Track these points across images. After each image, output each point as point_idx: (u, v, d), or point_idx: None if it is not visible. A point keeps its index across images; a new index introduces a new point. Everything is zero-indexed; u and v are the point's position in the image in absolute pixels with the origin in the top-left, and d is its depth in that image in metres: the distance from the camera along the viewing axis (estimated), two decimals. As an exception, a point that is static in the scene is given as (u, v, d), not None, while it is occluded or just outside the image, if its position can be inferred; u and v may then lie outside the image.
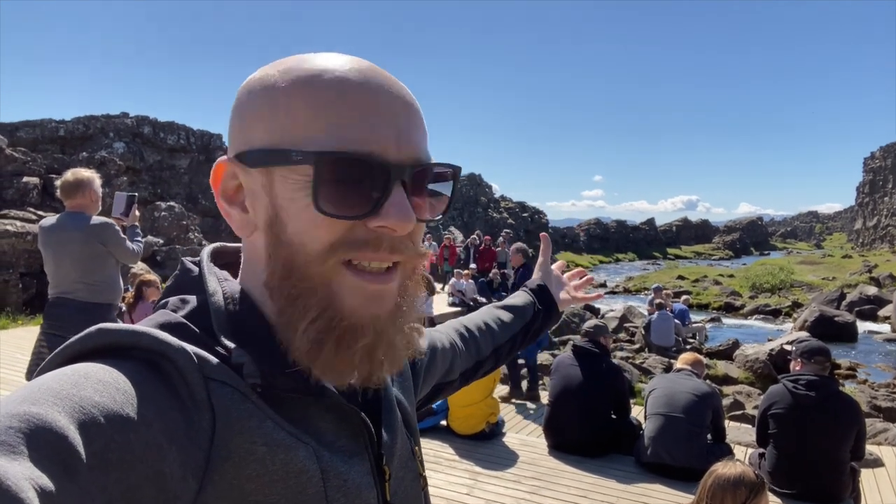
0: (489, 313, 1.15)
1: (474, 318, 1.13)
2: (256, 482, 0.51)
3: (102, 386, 0.46)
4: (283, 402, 0.56)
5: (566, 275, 1.27)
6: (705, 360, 10.97)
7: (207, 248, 0.67)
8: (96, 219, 3.72)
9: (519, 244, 7.83)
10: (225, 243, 0.70)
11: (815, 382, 4.04)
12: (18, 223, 9.82)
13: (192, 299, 0.60)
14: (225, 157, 0.61)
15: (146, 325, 0.54)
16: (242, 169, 0.58)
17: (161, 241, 13.18)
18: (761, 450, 4.37)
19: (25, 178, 11.42)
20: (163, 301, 0.61)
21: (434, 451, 4.82)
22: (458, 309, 12.30)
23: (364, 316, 0.56)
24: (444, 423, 5.24)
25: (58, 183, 3.72)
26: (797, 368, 4.23)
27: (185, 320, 0.57)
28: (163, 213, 14.21)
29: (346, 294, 0.56)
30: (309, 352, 0.55)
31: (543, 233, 1.30)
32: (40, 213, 10.71)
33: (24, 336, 7.66)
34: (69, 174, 3.70)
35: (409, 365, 0.83)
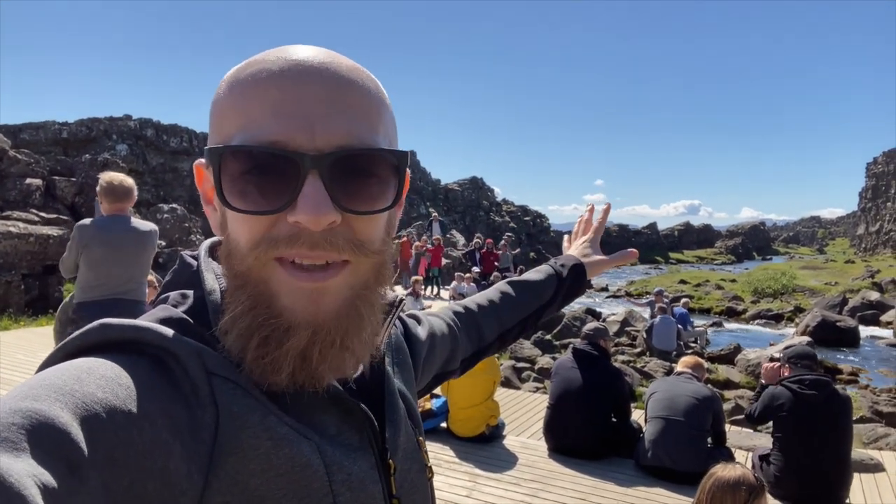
0: (498, 293, 1.05)
1: (480, 300, 1.04)
2: (261, 477, 0.51)
3: (105, 382, 0.46)
4: (286, 398, 0.55)
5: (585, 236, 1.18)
6: (706, 365, 10.97)
7: (206, 243, 0.66)
8: (151, 225, 3.95)
9: None
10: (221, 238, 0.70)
11: (818, 382, 4.10)
12: (21, 225, 9.84)
13: (192, 294, 0.60)
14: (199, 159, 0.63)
15: (147, 320, 0.54)
16: (206, 168, 0.60)
17: (163, 244, 13.19)
18: (762, 452, 4.37)
19: (28, 180, 11.45)
20: (163, 296, 0.61)
21: (434, 454, 4.81)
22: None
23: (299, 315, 0.54)
24: (444, 425, 5.23)
25: (104, 183, 3.78)
26: (785, 374, 4.29)
27: (186, 316, 0.56)
28: (165, 216, 14.23)
29: (283, 292, 0.54)
30: (236, 348, 0.53)
31: (608, 203, 1.18)
32: (42, 214, 10.74)
33: (26, 337, 7.68)
34: (121, 179, 3.81)
35: (409, 354, 0.81)
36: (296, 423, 0.55)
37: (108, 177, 3.82)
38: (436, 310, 1.00)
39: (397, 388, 0.71)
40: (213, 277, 0.61)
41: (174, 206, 15.01)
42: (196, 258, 0.64)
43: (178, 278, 0.63)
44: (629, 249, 1.15)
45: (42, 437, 0.39)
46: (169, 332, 0.52)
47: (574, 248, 1.17)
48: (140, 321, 0.53)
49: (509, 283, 1.08)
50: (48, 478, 0.38)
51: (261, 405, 0.53)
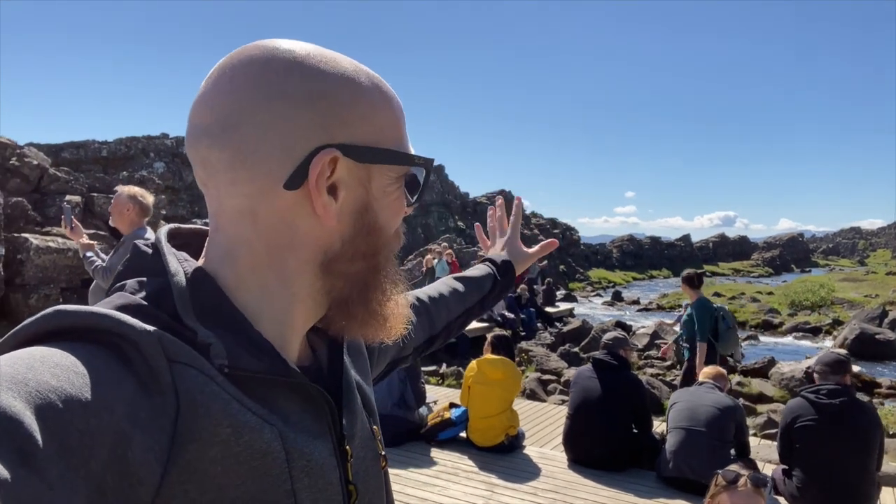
0: (446, 286, 1.15)
1: (430, 291, 1.12)
2: (221, 464, 0.51)
3: (60, 370, 0.44)
4: (249, 383, 0.55)
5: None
6: (739, 378, 10.72)
7: (164, 229, 0.66)
8: None
9: None
10: (179, 224, 0.70)
11: (837, 391, 4.00)
12: (60, 240, 10.20)
13: (151, 281, 0.58)
14: (330, 148, 0.58)
15: (105, 307, 0.53)
16: (348, 161, 0.59)
17: (196, 258, 13.51)
18: (784, 467, 4.27)
19: (68, 197, 11.87)
20: (119, 284, 0.59)
21: (452, 463, 4.82)
22: (486, 325, 12.26)
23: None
24: (463, 434, 5.24)
25: (140, 199, 4.01)
26: (818, 382, 4.19)
27: (144, 302, 0.55)
28: (198, 230, 14.60)
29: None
30: (366, 318, 0.64)
31: (518, 196, 1.29)
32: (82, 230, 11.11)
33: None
34: (150, 195, 4.08)
35: (364, 344, 0.81)
36: (259, 409, 0.54)
37: (140, 192, 3.99)
38: None
39: (353, 378, 0.72)
40: (177, 261, 0.59)
41: (208, 220, 15.38)
42: (151, 246, 0.63)
43: (133, 266, 0.62)
44: (550, 240, 1.28)
45: None
46: (127, 318, 0.50)
47: (499, 248, 1.28)
48: (96, 308, 0.51)
49: (454, 277, 1.19)
50: (1, 469, 0.37)
51: (224, 392, 0.52)
